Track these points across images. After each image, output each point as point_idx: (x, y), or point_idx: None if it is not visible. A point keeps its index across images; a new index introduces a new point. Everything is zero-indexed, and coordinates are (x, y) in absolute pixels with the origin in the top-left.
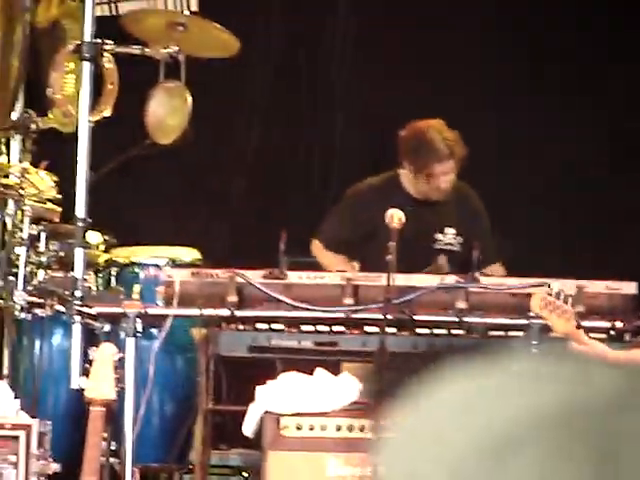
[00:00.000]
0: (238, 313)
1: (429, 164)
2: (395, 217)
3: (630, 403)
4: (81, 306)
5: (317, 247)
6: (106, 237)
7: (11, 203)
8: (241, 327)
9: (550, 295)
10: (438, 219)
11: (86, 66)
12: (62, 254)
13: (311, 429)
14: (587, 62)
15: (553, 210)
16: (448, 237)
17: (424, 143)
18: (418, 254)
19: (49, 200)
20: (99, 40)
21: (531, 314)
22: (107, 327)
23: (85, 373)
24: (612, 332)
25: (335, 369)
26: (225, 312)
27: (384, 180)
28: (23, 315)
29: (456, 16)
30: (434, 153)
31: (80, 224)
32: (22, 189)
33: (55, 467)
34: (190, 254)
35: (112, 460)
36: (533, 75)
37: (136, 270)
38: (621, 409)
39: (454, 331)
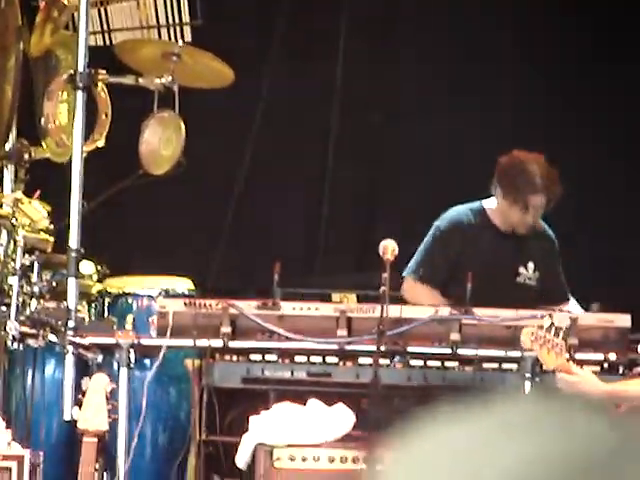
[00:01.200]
0: (232, 344)
1: (525, 195)
2: (389, 249)
3: (617, 453)
4: (74, 336)
5: (410, 285)
6: (99, 267)
7: (4, 233)
8: (235, 358)
9: (541, 329)
10: (521, 253)
11: (80, 96)
12: (55, 284)
13: (304, 460)
14: None
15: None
16: (529, 271)
17: (524, 173)
18: (500, 286)
19: (42, 230)
20: (93, 70)
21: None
22: (100, 357)
23: (78, 404)
24: (605, 365)
25: (328, 400)
26: (219, 343)
27: (473, 214)
28: (15, 345)
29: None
30: (531, 185)
31: (73, 254)
32: (15, 219)
33: None
34: (183, 284)
35: None
36: None
37: (129, 300)
38: (608, 459)
39: (448, 363)
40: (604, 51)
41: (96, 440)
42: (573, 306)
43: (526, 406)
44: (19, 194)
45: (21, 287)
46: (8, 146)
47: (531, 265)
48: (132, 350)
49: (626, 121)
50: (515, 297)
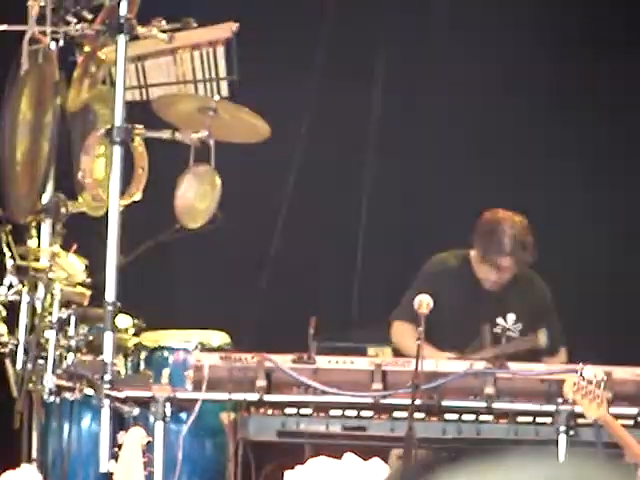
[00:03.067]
0: (267, 398)
1: (493, 254)
2: (424, 303)
3: None
4: (110, 390)
5: (397, 326)
6: (135, 321)
7: (41, 286)
8: (270, 412)
9: (583, 379)
10: (501, 304)
11: (116, 150)
12: (91, 338)
13: None
14: None
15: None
16: (509, 323)
17: (495, 233)
18: (475, 335)
19: (79, 284)
20: (130, 125)
21: (559, 400)
22: (136, 411)
23: (114, 457)
24: (639, 419)
25: (364, 454)
26: (254, 396)
27: (459, 261)
28: (52, 398)
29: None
30: (499, 246)
31: (110, 308)
32: (52, 272)
33: None
34: (219, 338)
35: None
36: None
37: (165, 354)
38: None
39: (482, 417)
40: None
41: None
42: (562, 356)
43: (568, 464)
44: (56, 248)
45: (58, 340)
46: (45, 200)
47: (511, 317)
48: (168, 403)
49: None
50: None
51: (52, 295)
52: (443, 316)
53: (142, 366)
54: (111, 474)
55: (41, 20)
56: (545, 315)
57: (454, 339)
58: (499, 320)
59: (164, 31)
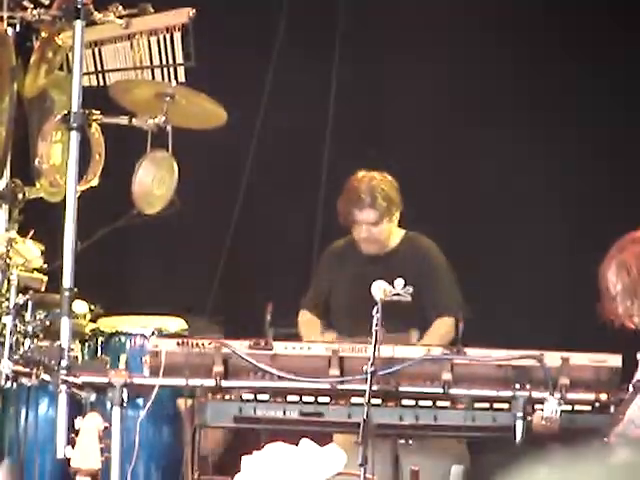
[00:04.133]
0: (224, 383)
1: (350, 210)
2: (380, 289)
3: None
4: (67, 375)
5: (300, 315)
6: (92, 306)
7: None
8: (227, 397)
9: (543, 419)
10: (387, 271)
11: (73, 136)
12: (48, 323)
13: None
14: None
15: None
16: (397, 288)
17: (349, 190)
18: (368, 306)
19: (36, 269)
20: (86, 110)
21: (517, 386)
22: (93, 397)
23: (71, 443)
24: (597, 404)
25: (321, 440)
26: (211, 382)
27: (345, 240)
28: (9, 384)
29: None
30: (354, 200)
31: (66, 293)
32: (9, 258)
33: None
34: (176, 324)
35: None
36: None
37: (122, 340)
38: None
39: (439, 402)
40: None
41: (89, 479)
42: (441, 325)
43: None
44: (13, 234)
45: (15, 326)
46: (2, 186)
47: (399, 281)
48: (125, 389)
49: None
50: (386, 314)
51: (9, 281)
52: (339, 296)
53: (99, 352)
54: (68, 460)
55: None
56: (432, 276)
57: (350, 313)
58: (387, 287)
59: (121, 17)
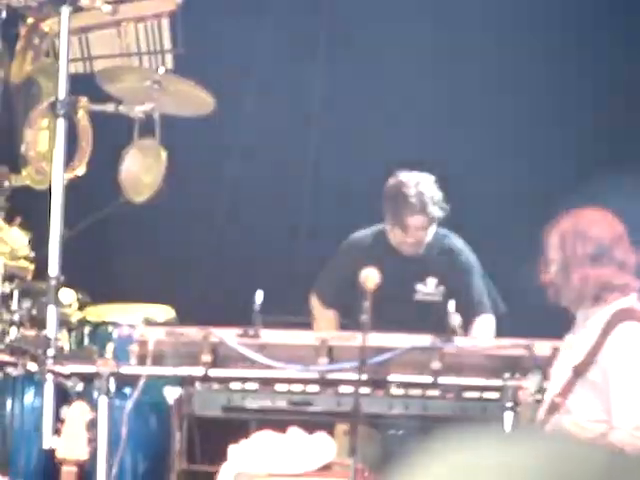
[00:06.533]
0: (212, 372)
1: (401, 216)
2: (369, 277)
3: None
4: (53, 365)
5: (314, 303)
6: (79, 295)
7: None
8: (215, 386)
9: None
10: (419, 269)
11: (60, 123)
12: (35, 312)
13: None
14: None
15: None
16: (429, 287)
17: (400, 195)
18: (399, 305)
19: (22, 258)
20: (74, 97)
21: (506, 375)
22: (80, 386)
23: (57, 432)
24: None
25: (309, 428)
26: (199, 371)
27: (372, 234)
28: None
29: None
30: (406, 206)
31: (53, 282)
32: None
33: None
34: (164, 312)
35: None
36: None
37: (109, 329)
38: None
39: (429, 392)
40: None
41: (75, 469)
42: (482, 323)
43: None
44: None
45: (1, 315)
46: None
47: (432, 280)
48: (112, 379)
49: None
50: (415, 314)
51: None
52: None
53: (86, 341)
54: (54, 450)
55: None
56: (465, 276)
57: (379, 314)
58: (419, 286)
59: (108, 3)
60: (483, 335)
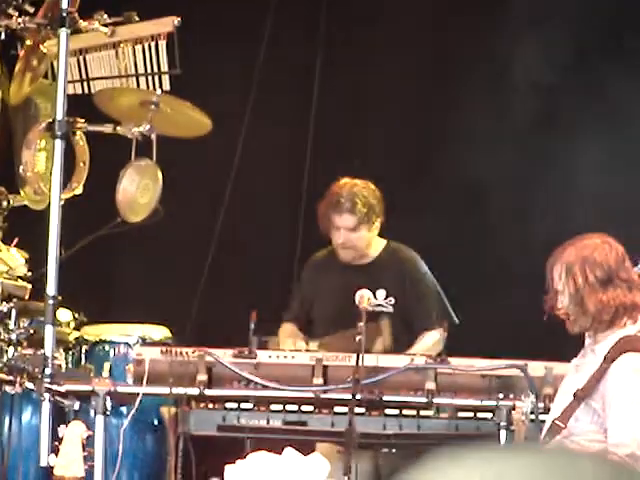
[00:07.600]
0: (208, 392)
1: (329, 215)
2: (364, 298)
3: None
4: (51, 384)
5: (282, 328)
6: (76, 315)
7: None
8: (211, 406)
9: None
10: (368, 282)
11: (58, 144)
12: (32, 331)
13: None
14: None
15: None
16: (379, 299)
17: (334, 195)
18: (351, 317)
19: (20, 277)
20: (71, 118)
21: (500, 396)
22: (77, 405)
23: (54, 451)
24: None
25: (305, 449)
26: (195, 391)
27: (327, 251)
28: None
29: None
30: (337, 205)
31: (50, 302)
32: None
33: None
34: (160, 332)
35: None
36: None
37: (106, 348)
38: None
39: (423, 412)
40: None
41: None
42: (428, 338)
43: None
44: None
45: None
46: None
47: (381, 292)
48: (108, 397)
49: None
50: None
51: None
52: (322, 307)
53: (83, 360)
54: (51, 468)
55: None
56: (415, 288)
57: (334, 324)
58: (370, 296)
59: (106, 25)
60: (422, 350)
